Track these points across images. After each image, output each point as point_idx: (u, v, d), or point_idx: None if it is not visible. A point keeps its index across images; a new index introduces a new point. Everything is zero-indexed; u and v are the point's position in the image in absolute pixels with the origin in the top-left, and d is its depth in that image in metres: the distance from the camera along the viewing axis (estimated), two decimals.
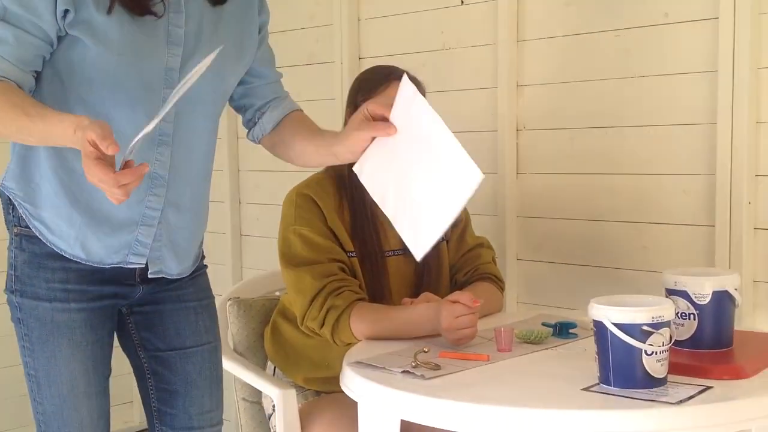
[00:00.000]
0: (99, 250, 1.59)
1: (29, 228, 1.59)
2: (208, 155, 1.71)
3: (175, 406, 1.74)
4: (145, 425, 3.72)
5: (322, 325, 1.90)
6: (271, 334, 2.15)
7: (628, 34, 2.21)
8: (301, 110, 1.82)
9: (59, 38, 1.51)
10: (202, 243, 1.78)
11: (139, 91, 1.55)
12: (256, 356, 2.23)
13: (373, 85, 2.04)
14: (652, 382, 1.41)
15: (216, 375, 1.79)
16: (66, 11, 1.48)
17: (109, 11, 1.51)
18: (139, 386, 1.78)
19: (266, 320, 2.22)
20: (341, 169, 2.05)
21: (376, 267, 2.00)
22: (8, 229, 1.63)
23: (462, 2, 2.53)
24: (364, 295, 1.95)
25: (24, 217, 1.58)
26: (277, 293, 2.32)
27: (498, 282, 2.12)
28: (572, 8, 2.31)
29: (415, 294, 1.98)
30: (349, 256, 1.98)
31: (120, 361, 1.75)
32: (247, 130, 1.82)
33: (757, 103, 2.00)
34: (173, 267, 1.68)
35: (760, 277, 2.03)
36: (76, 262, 1.58)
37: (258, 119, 1.78)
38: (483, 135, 2.51)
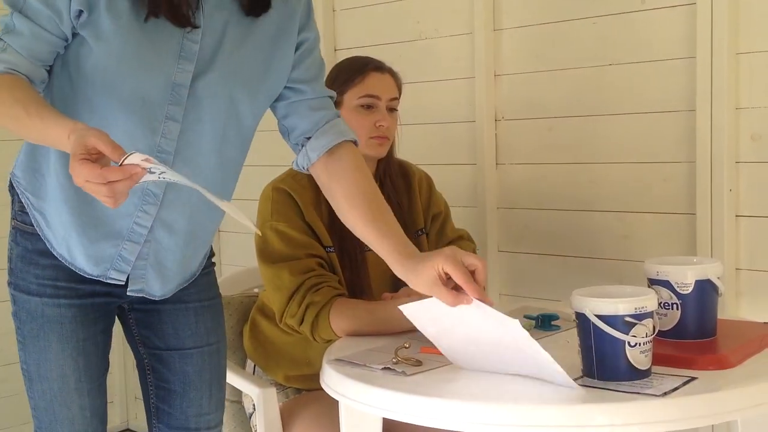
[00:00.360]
0: (81, 257, 1.55)
1: (24, 223, 1.57)
2: (221, 181, 1.60)
3: (172, 405, 1.71)
4: (126, 426, 3.73)
5: (302, 322, 1.87)
6: (250, 332, 2.12)
7: (605, 21, 2.19)
8: (354, 142, 1.66)
9: (72, 35, 1.47)
10: (204, 260, 1.72)
11: (136, 103, 1.48)
12: (235, 354, 2.19)
13: (350, 76, 2.01)
14: (636, 373, 1.39)
15: (217, 377, 1.75)
16: (80, 11, 1.43)
17: (146, 19, 1.44)
18: (140, 381, 1.75)
19: (245, 317, 2.19)
20: None
21: (355, 262, 1.97)
22: (10, 222, 1.62)
23: None
24: (344, 291, 1.92)
25: (26, 206, 1.56)
26: (256, 290, 2.29)
27: None
28: None
29: (395, 289, 1.95)
30: (327, 251, 1.95)
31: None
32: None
33: (736, 89, 1.99)
34: (156, 288, 1.63)
35: (743, 264, 2.02)
36: (50, 247, 1.55)
37: (303, 145, 1.65)
38: (461, 126, 2.48)
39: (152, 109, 1.49)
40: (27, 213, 1.57)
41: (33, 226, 1.56)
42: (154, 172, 1.27)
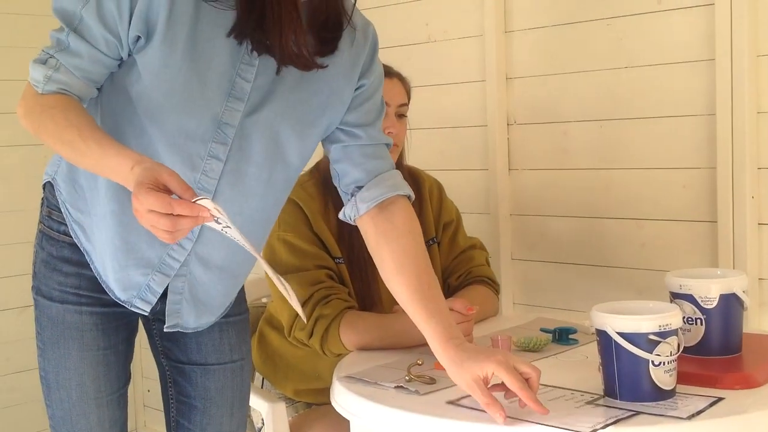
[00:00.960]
0: (111, 279, 1.50)
1: (50, 228, 1.54)
2: (260, 221, 1.54)
3: (192, 420, 1.66)
4: None
5: (311, 335, 1.82)
6: (258, 344, 2.07)
7: (620, 23, 2.13)
8: (409, 198, 1.58)
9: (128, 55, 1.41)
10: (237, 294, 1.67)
11: (179, 137, 1.41)
12: None
13: None
14: (660, 394, 1.33)
15: (240, 395, 1.69)
16: (138, 37, 1.37)
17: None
18: (162, 393, 1.71)
19: (253, 329, 2.13)
20: (326, 171, 1.96)
21: (366, 273, 1.92)
22: (37, 223, 1.59)
23: None
24: (354, 303, 1.87)
25: (65, 216, 1.51)
26: (264, 299, 2.24)
27: (492, 285, 2.04)
28: None
29: None
30: (336, 263, 1.90)
31: None
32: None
33: (758, 92, 1.93)
34: (191, 322, 1.58)
35: (766, 274, 1.96)
36: (89, 259, 1.51)
37: (353, 195, 1.57)
38: (472, 130, 2.43)
39: (195, 145, 1.42)
40: (54, 219, 1.53)
41: (58, 232, 1.52)
42: (219, 223, 1.22)
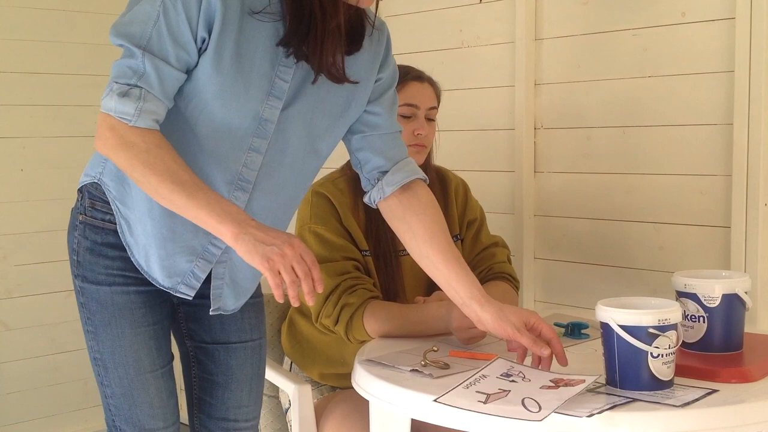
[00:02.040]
0: (156, 267, 1.62)
1: (94, 218, 1.63)
2: (290, 207, 1.70)
3: (214, 396, 1.78)
4: None
5: (337, 322, 1.93)
6: (287, 330, 2.18)
7: (645, 33, 2.20)
8: (426, 181, 1.77)
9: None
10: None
11: (223, 132, 1.54)
12: (273, 351, 2.26)
13: None
14: (658, 384, 1.41)
15: (257, 372, 1.82)
16: (204, 38, 1.49)
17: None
18: (184, 374, 1.82)
19: (284, 316, 2.25)
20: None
21: (390, 266, 2.02)
22: (73, 216, 1.67)
23: (481, 0, 2.54)
24: (378, 294, 1.97)
25: (115, 213, 1.61)
26: None
27: (512, 281, 2.12)
28: (589, 7, 2.31)
29: (428, 293, 2.00)
30: (363, 255, 2.00)
31: None
32: (365, 192, 1.78)
33: None
34: (230, 304, 1.71)
35: None
36: (130, 253, 1.62)
37: (378, 179, 1.73)
38: (500, 133, 2.52)
39: (237, 139, 1.55)
40: (98, 210, 1.62)
41: (103, 221, 1.62)
42: None
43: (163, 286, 1.64)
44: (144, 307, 1.65)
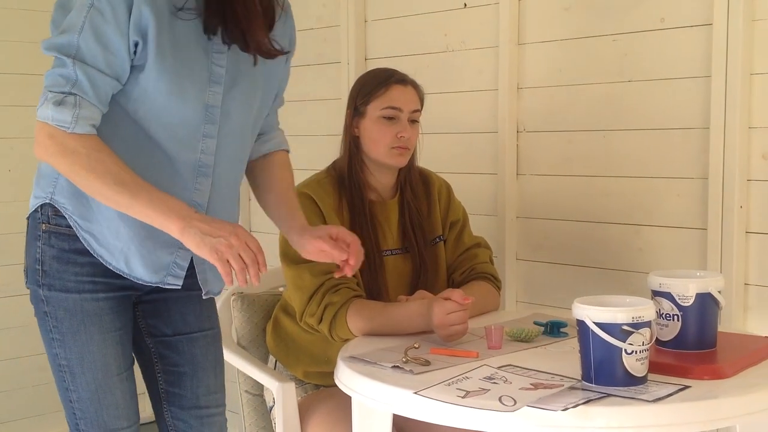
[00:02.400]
0: (140, 267, 1.66)
1: (59, 225, 1.65)
2: (238, 182, 1.81)
3: (183, 386, 1.83)
4: None
5: (320, 321, 1.96)
6: (272, 329, 2.21)
7: (625, 39, 2.25)
8: (288, 151, 1.91)
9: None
10: None
11: (180, 129, 1.64)
12: (258, 350, 2.29)
13: (374, 88, 2.09)
14: (632, 380, 1.45)
15: (219, 359, 1.88)
16: (137, 43, 1.56)
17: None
18: (144, 374, 1.86)
19: (269, 315, 2.28)
20: (342, 169, 2.11)
21: (374, 265, 2.05)
22: (33, 226, 1.69)
23: (465, 5, 2.58)
24: (362, 293, 2.00)
25: (75, 228, 1.65)
26: (281, 289, 2.38)
27: (494, 281, 2.16)
28: (571, 12, 2.35)
29: (411, 292, 2.03)
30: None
31: None
32: None
33: (749, 108, 2.03)
34: (216, 286, 1.78)
35: (752, 280, 2.07)
36: (104, 261, 1.66)
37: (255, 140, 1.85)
38: (484, 136, 2.55)
39: (192, 129, 1.65)
40: (61, 216, 1.65)
41: (68, 227, 1.65)
42: None
43: (150, 282, 1.68)
44: (111, 312, 1.68)
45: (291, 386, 2.05)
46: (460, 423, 1.43)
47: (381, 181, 2.12)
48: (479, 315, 2.06)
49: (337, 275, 1.78)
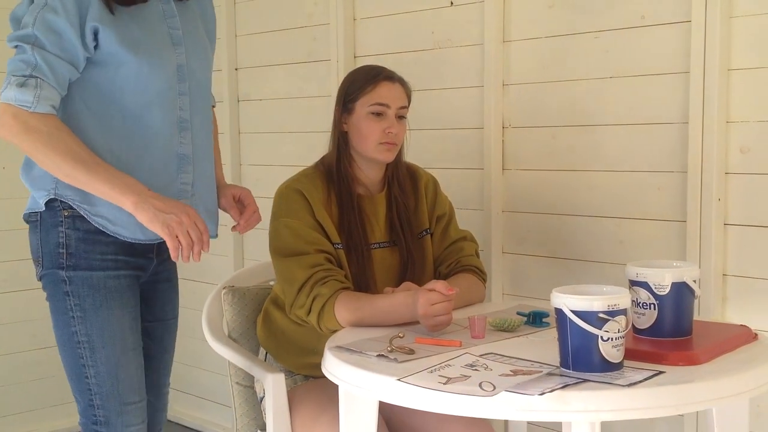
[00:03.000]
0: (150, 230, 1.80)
1: (81, 210, 1.79)
2: (210, 131, 2.03)
3: (149, 367, 1.97)
4: None
5: (309, 312, 2.00)
6: (263, 322, 2.25)
7: (606, 36, 2.29)
8: (215, 106, 2.12)
9: (88, 58, 1.74)
10: None
11: (164, 90, 1.81)
12: (249, 342, 2.33)
13: (362, 84, 2.13)
14: (608, 366, 1.50)
15: (174, 342, 2.13)
16: (96, 30, 1.72)
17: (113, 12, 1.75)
18: None
19: (260, 308, 2.32)
20: (330, 164, 2.15)
21: (362, 258, 2.10)
22: (51, 215, 1.80)
23: (452, 3, 2.62)
24: (349, 285, 2.05)
25: (85, 216, 1.77)
26: (271, 282, 2.42)
27: (479, 273, 2.21)
28: (555, 11, 2.40)
29: (398, 285, 2.06)
30: (335, 248, 2.08)
31: None
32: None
33: (727, 103, 2.09)
34: (213, 229, 1.97)
35: (729, 270, 2.12)
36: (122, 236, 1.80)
37: None
38: (470, 132, 2.60)
39: (169, 91, 1.82)
40: (88, 219, 1.79)
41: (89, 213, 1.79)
42: None
43: (159, 240, 1.82)
44: (128, 290, 1.82)
45: (281, 377, 2.10)
46: (442, 408, 1.47)
47: (369, 176, 2.17)
48: (464, 306, 2.10)
49: (231, 230, 2.08)
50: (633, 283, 1.70)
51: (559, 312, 1.52)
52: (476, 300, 2.19)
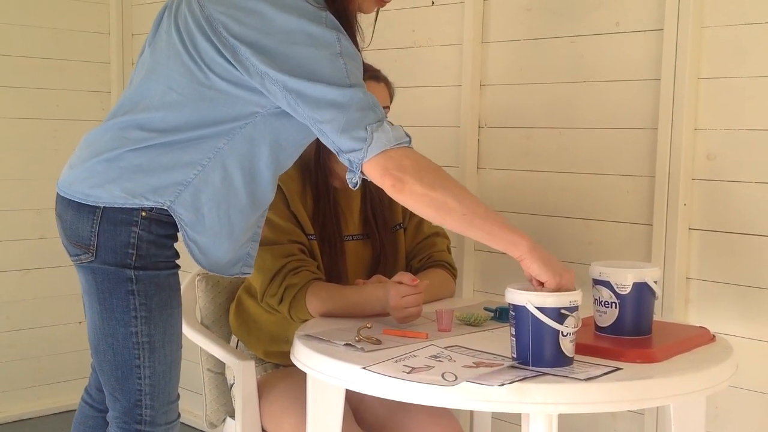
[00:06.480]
0: (223, 264, 1.84)
1: (161, 214, 1.73)
2: None
3: None
4: None
5: (281, 301, 2.04)
6: (235, 310, 2.28)
7: (582, 41, 2.34)
8: None
9: None
10: None
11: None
12: (221, 330, 2.36)
13: None
14: (565, 360, 1.54)
15: None
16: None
17: None
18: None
19: (233, 296, 2.35)
20: (307, 156, 2.18)
21: (335, 250, 2.13)
22: (126, 212, 1.72)
23: (433, 3, 2.66)
24: (321, 275, 2.08)
25: (183, 236, 1.78)
26: None
27: (450, 269, 2.25)
28: (533, 14, 2.44)
29: (369, 277, 2.10)
30: (309, 239, 2.11)
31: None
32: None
33: (695, 111, 2.14)
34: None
35: (693, 274, 2.17)
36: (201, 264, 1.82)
37: None
38: (446, 130, 2.64)
39: None
40: (162, 210, 1.73)
41: (168, 215, 1.74)
42: None
43: (228, 274, 1.86)
44: (179, 288, 1.83)
45: (251, 365, 2.13)
46: (405, 397, 1.51)
47: (346, 170, 2.19)
48: (434, 300, 2.14)
49: None
50: (596, 282, 1.75)
51: (521, 309, 1.56)
52: (446, 295, 2.22)
